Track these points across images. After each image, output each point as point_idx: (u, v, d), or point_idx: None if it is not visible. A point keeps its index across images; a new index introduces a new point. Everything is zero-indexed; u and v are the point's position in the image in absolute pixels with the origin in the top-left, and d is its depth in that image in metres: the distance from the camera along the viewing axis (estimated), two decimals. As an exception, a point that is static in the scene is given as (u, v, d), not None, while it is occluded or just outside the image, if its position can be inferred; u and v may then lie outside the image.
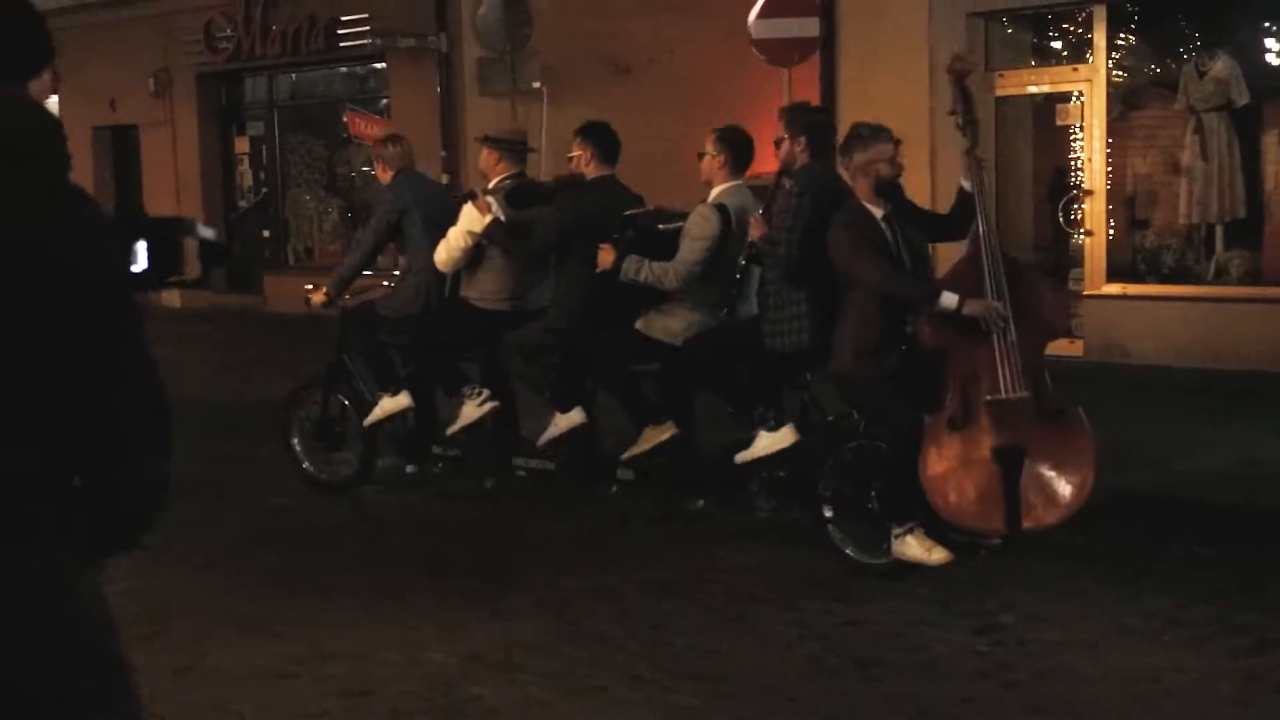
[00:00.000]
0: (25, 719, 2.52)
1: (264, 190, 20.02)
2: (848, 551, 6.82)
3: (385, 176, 8.72)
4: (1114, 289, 12.40)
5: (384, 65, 17.65)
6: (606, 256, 7.59)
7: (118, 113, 20.44)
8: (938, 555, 6.46)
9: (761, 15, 13.13)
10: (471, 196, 8.25)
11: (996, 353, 6.41)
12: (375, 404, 8.48)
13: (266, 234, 19.88)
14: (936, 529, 6.51)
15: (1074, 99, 12.55)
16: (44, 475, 2.43)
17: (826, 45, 13.30)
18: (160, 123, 20.22)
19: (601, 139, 8.10)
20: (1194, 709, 5.08)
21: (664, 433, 7.73)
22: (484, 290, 8.28)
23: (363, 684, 5.36)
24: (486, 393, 8.28)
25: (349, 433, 8.68)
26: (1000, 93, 12.91)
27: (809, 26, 13.12)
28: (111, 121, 20.54)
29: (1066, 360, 12.18)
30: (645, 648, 5.75)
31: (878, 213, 6.70)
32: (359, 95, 18.61)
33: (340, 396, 8.65)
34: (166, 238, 2.75)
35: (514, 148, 8.50)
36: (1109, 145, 12.39)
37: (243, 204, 20.44)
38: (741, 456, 7.31)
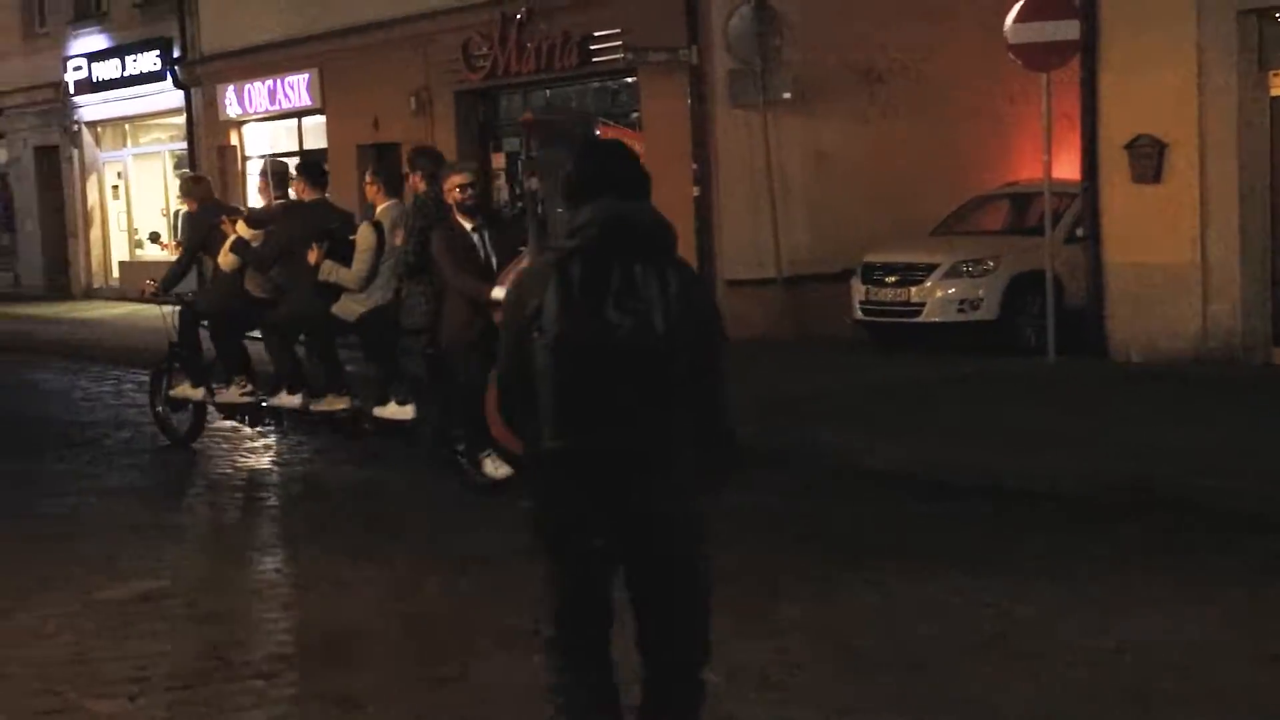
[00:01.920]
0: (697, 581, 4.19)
1: (520, 204, 20.42)
2: (476, 477, 8.85)
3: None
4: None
5: (635, 79, 17.82)
6: (313, 257, 9.93)
7: (380, 131, 21.07)
8: (502, 471, 8.65)
9: (1019, 19, 12.81)
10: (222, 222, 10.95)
11: None
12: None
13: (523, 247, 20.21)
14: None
15: (1357, 96, 11.90)
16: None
17: (1087, 49, 12.88)
18: (421, 140, 20.80)
19: (310, 172, 10.74)
20: None
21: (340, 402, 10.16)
22: (253, 284, 10.88)
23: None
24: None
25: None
26: (1276, 92, 12.31)
27: (1068, 29, 12.74)
28: (375, 139, 21.22)
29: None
30: (907, 672, 5.64)
31: (468, 225, 8.88)
32: (611, 109, 18.81)
33: None
34: None
35: (278, 180, 11.10)
36: (1397, 143, 11.71)
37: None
38: (379, 411, 9.86)
